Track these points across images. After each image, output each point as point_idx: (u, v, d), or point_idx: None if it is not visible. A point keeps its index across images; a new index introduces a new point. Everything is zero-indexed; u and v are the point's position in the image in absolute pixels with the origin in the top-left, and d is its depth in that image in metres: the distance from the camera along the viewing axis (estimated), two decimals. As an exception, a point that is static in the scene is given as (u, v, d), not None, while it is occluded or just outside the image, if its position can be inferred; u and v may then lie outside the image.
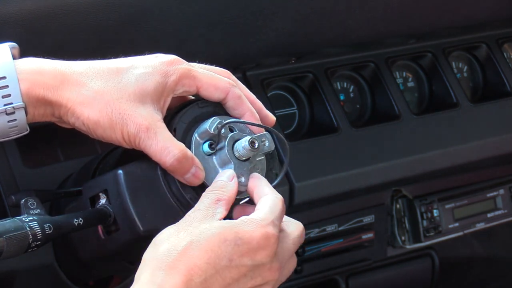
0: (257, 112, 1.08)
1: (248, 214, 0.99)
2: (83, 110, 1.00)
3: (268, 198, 1.01)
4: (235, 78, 1.09)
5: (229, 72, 1.09)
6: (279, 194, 1.02)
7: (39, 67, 1.01)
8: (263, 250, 0.96)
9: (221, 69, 1.09)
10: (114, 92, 1.00)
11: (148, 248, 0.97)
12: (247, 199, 1.06)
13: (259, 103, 1.10)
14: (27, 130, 1.03)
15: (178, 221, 1.01)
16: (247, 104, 1.06)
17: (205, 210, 0.98)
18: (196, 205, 1.00)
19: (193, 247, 0.93)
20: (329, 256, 1.70)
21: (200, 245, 0.94)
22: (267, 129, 1.07)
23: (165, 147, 1.00)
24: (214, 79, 1.05)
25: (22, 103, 0.99)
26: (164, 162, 1.00)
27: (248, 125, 1.07)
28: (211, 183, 1.04)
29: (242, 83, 1.10)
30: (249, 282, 0.96)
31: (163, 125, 1.01)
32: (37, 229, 1.00)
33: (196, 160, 1.02)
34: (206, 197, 1.00)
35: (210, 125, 1.04)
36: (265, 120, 1.09)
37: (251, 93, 1.09)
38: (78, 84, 1.00)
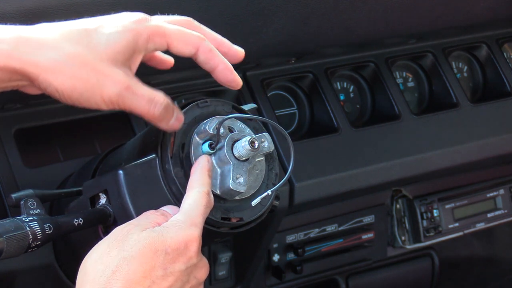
0: (227, 49, 1.06)
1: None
2: (55, 76, 0.96)
3: (189, 195, 1.00)
4: (198, 23, 1.07)
5: (190, 19, 1.07)
6: (204, 186, 1.01)
7: None
8: (190, 251, 0.97)
9: (183, 17, 1.06)
10: (86, 54, 0.97)
11: (79, 272, 0.95)
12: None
13: (226, 43, 1.08)
14: None
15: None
16: (219, 56, 1.05)
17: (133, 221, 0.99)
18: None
19: (126, 263, 0.93)
20: (329, 256, 1.71)
21: (133, 259, 0.93)
22: (267, 122, 1.06)
23: (150, 99, 0.99)
24: (184, 35, 1.03)
25: None
26: (153, 113, 0.99)
27: (244, 115, 1.07)
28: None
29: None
30: (185, 285, 0.97)
31: (139, 81, 0.99)
32: (37, 229, 1.00)
33: (175, 104, 1.02)
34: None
35: (210, 125, 1.04)
36: (234, 55, 1.08)
37: (215, 33, 1.07)
38: (45, 48, 0.96)
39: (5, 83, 0.98)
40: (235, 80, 1.06)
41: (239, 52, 1.08)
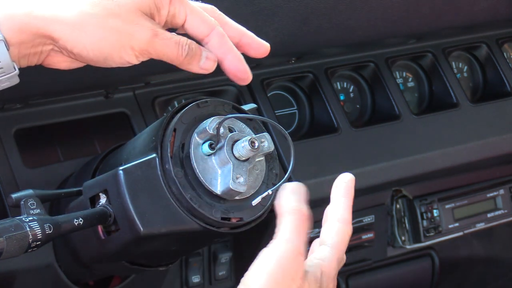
0: (250, 40, 1.05)
1: None
2: (84, 31, 0.94)
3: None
4: (220, 12, 1.05)
5: (214, 7, 1.06)
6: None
7: None
8: None
9: (207, 4, 1.05)
10: (113, 5, 0.95)
11: None
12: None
13: (250, 33, 1.06)
14: (15, 70, 0.95)
15: (178, 221, 1.02)
16: (230, 44, 1.02)
17: None
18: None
19: None
20: (329, 256, 1.70)
21: None
22: (267, 121, 1.06)
23: (177, 41, 0.99)
24: (202, 14, 1.02)
25: None
26: (181, 56, 0.99)
27: (246, 115, 1.07)
28: (209, 182, 1.04)
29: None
30: None
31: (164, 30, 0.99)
32: (37, 229, 1.00)
33: (201, 46, 1.01)
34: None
35: (210, 125, 1.03)
36: (260, 48, 1.06)
37: (238, 24, 1.06)
38: (68, 2, 0.94)
39: (28, 48, 0.95)
40: (245, 71, 1.03)
41: (264, 45, 1.06)
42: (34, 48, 0.96)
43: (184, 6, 1.01)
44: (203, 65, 1.02)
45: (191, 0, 1.04)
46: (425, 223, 1.76)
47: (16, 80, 0.96)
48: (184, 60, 1.00)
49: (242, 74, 1.03)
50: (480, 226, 1.82)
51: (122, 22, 0.95)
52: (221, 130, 1.04)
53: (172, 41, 0.99)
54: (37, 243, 1.00)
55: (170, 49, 0.99)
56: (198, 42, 1.03)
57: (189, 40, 1.00)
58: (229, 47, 1.02)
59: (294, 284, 0.91)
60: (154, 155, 1.04)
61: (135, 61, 0.98)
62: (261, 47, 1.06)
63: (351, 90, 1.71)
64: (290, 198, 0.98)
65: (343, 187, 1.01)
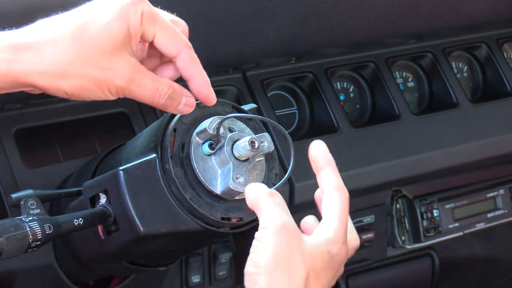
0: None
1: None
2: (62, 80, 0.95)
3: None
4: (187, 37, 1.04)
5: (187, 27, 1.04)
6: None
7: None
8: None
9: (181, 20, 1.04)
10: (88, 51, 0.96)
11: None
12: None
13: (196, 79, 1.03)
14: None
15: (178, 221, 1.02)
16: (199, 67, 1.02)
17: None
18: None
19: None
20: (329, 256, 1.70)
21: None
22: (267, 121, 1.06)
23: (155, 89, 0.99)
24: (174, 32, 1.01)
25: None
26: (157, 103, 0.99)
27: (243, 115, 1.07)
28: (209, 182, 1.04)
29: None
30: None
31: (143, 68, 0.99)
32: (37, 229, 1.00)
33: (185, 89, 1.01)
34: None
35: (209, 125, 1.04)
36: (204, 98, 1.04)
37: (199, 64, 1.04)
38: (46, 52, 0.95)
39: (8, 89, 0.97)
40: (208, 96, 1.03)
41: (209, 97, 1.04)
42: (14, 89, 0.97)
43: (154, 24, 0.99)
44: (180, 109, 1.02)
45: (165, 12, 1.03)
46: (425, 223, 1.76)
47: None
48: (159, 106, 1.00)
49: (204, 97, 1.03)
50: (480, 226, 1.82)
51: (100, 68, 0.96)
52: (221, 130, 1.04)
53: (149, 89, 0.99)
54: (37, 243, 1.00)
55: (146, 95, 0.99)
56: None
57: (172, 87, 1.00)
58: (193, 71, 1.01)
59: (294, 249, 0.95)
60: (154, 155, 1.04)
61: (112, 98, 0.99)
62: (205, 98, 1.04)
63: (351, 90, 1.71)
64: (260, 186, 1.00)
65: (320, 157, 1.02)
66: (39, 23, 0.98)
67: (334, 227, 0.99)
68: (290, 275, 0.94)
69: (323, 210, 1.01)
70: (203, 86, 1.02)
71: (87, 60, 0.96)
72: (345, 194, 1.02)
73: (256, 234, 0.96)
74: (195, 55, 1.02)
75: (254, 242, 0.96)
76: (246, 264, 0.96)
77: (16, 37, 0.95)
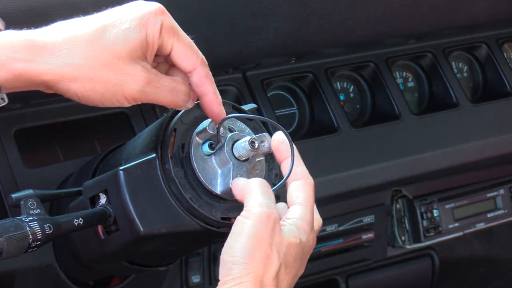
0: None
1: None
2: (74, 81, 0.95)
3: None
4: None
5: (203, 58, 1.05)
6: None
7: (8, 40, 0.93)
8: None
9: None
10: (104, 54, 0.95)
11: None
12: None
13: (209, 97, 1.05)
14: (4, 102, 0.97)
15: (178, 221, 1.02)
16: (212, 85, 1.03)
17: None
18: None
19: None
20: (329, 256, 1.70)
21: None
22: (266, 121, 1.06)
23: (172, 88, 0.99)
24: (193, 48, 1.01)
25: None
26: (176, 102, 1.00)
27: (244, 117, 1.07)
28: (209, 182, 1.04)
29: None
30: None
31: (157, 71, 0.99)
32: (37, 229, 1.00)
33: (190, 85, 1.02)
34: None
35: (210, 125, 1.04)
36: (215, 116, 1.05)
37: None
38: (61, 53, 0.94)
39: (21, 88, 0.97)
40: (219, 115, 1.04)
41: (220, 115, 1.05)
42: (27, 88, 0.97)
43: (172, 38, 0.99)
44: (187, 106, 1.03)
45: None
46: (425, 223, 1.76)
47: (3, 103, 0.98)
48: (177, 106, 1.02)
49: (214, 116, 1.04)
50: (480, 226, 1.82)
51: (115, 73, 0.96)
52: (221, 130, 1.04)
53: (166, 89, 0.99)
54: (37, 243, 1.00)
55: (165, 95, 0.99)
56: None
57: (186, 87, 1.01)
58: (207, 89, 1.03)
59: (274, 241, 0.95)
60: (154, 155, 1.04)
61: (127, 105, 0.99)
62: (216, 115, 1.05)
63: (351, 90, 1.71)
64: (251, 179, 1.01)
65: (282, 146, 1.03)
66: (57, 25, 0.98)
67: (302, 215, 1.00)
68: (265, 268, 0.94)
69: (290, 198, 1.02)
70: (214, 104, 1.03)
71: (102, 63, 0.95)
72: (310, 181, 1.02)
73: (238, 218, 0.96)
74: (210, 73, 1.03)
75: (234, 227, 0.96)
76: (223, 250, 0.96)
77: (33, 37, 0.95)
